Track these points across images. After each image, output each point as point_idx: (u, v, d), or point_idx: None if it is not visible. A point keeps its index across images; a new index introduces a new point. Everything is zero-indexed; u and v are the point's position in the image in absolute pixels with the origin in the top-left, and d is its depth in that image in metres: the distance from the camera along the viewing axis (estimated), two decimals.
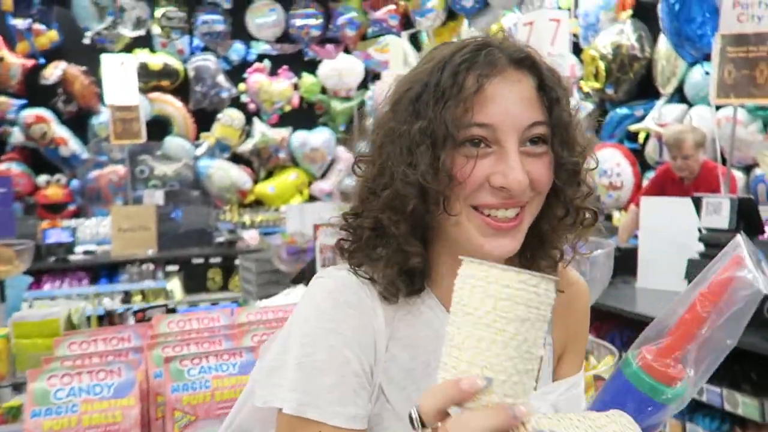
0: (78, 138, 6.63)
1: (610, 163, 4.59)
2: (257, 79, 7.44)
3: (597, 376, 1.49)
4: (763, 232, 2.74)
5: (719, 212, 2.61)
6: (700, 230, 2.72)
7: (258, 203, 7.42)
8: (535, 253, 0.80)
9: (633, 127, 4.73)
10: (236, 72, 7.41)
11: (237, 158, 7.41)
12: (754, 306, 0.61)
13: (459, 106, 0.68)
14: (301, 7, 7.50)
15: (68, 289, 4.94)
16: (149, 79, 6.85)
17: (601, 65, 4.73)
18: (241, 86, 7.43)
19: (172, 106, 7.10)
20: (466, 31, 6.41)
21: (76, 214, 6.49)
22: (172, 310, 1.69)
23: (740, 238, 0.64)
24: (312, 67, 7.75)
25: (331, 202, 7.03)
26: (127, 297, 5.08)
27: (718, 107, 3.63)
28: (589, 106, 4.95)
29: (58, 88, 6.48)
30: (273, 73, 7.56)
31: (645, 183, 4.31)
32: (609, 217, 4.55)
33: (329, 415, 0.68)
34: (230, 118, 7.29)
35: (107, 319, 1.89)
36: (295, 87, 7.66)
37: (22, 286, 2.87)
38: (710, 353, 0.63)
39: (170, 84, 7.10)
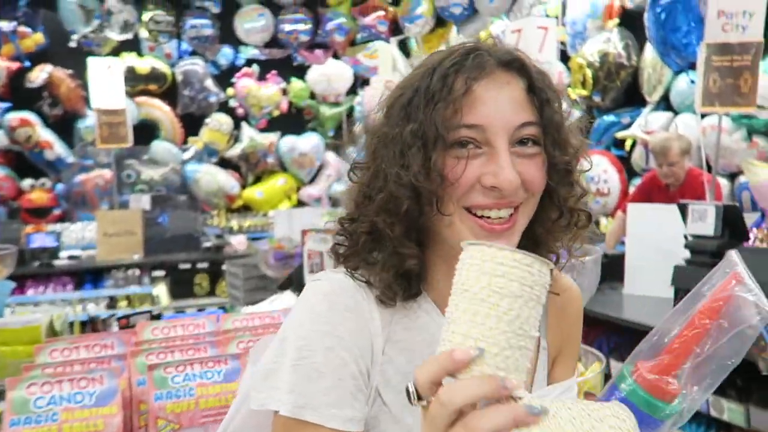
0: (63, 142, 6.56)
1: (597, 170, 4.62)
2: (246, 83, 7.42)
3: (587, 393, 1.49)
4: (747, 238, 2.77)
5: (705, 219, 2.63)
6: (685, 237, 2.74)
7: (246, 208, 7.39)
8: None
9: (620, 135, 4.77)
10: (224, 76, 7.39)
11: (225, 163, 7.38)
12: (761, 327, 0.61)
13: (448, 107, 0.69)
14: (290, 13, 7.50)
15: (52, 294, 4.86)
16: (136, 83, 6.80)
17: (589, 73, 4.77)
18: (230, 91, 7.40)
19: (159, 110, 7.06)
20: (455, 37, 6.44)
21: (61, 219, 6.42)
22: (157, 317, 1.67)
23: (735, 255, 0.65)
24: (301, 72, 7.75)
25: (319, 207, 7.02)
26: (112, 302, 5.04)
27: (703, 115, 3.67)
28: (576, 113, 4.99)
29: (43, 92, 6.42)
30: (261, 77, 7.54)
31: (631, 190, 4.34)
32: (596, 224, 4.58)
33: (326, 418, 0.68)
34: (218, 122, 7.26)
35: (90, 325, 1.87)
36: (284, 92, 7.65)
37: (4, 292, 2.82)
38: (712, 371, 0.62)
39: (158, 88, 7.06)
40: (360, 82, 7.70)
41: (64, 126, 6.59)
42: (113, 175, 6.14)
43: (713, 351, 0.61)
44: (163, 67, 7.08)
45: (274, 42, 7.53)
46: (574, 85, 4.92)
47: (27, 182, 6.44)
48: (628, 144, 4.75)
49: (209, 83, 7.18)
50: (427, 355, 0.74)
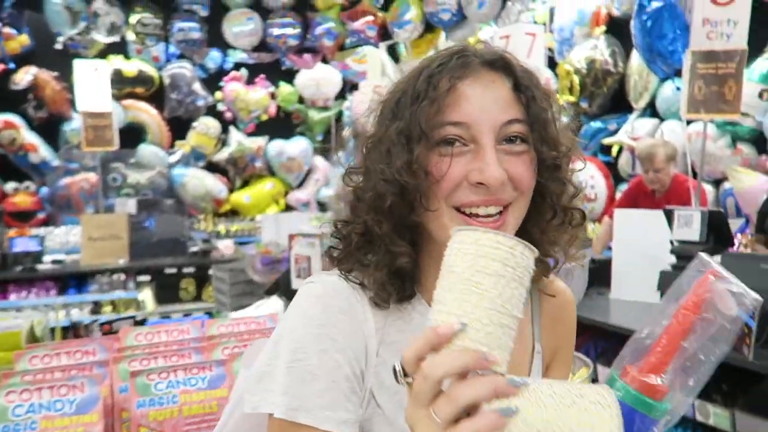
0: (48, 145, 6.49)
1: (584, 176, 4.63)
2: (234, 87, 7.39)
3: None
4: (732, 244, 2.79)
5: (690, 225, 2.65)
6: (671, 242, 2.76)
7: (233, 213, 7.35)
8: None
9: (606, 141, 4.81)
10: (212, 80, 7.35)
11: (212, 167, 7.34)
12: (744, 316, 0.63)
13: (432, 105, 0.70)
14: (279, 17, 7.48)
15: (35, 299, 4.79)
16: (123, 86, 6.75)
17: (576, 79, 4.81)
18: (218, 94, 7.37)
19: (146, 113, 7.01)
20: (443, 43, 6.46)
21: (45, 223, 6.35)
22: (141, 322, 1.65)
23: (706, 256, 0.66)
24: (289, 76, 7.73)
25: (307, 212, 6.99)
26: (96, 308, 4.97)
27: (688, 122, 3.71)
28: (564, 120, 5.02)
29: (28, 94, 6.35)
30: (250, 81, 7.52)
31: (618, 195, 4.37)
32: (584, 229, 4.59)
33: (320, 420, 0.68)
34: (206, 126, 7.22)
35: (72, 331, 1.83)
36: (272, 96, 7.63)
37: None
38: (696, 369, 0.63)
39: (145, 91, 7.01)
40: (349, 86, 7.70)
41: (49, 129, 6.52)
42: (99, 178, 6.08)
43: (698, 346, 0.62)
44: (151, 70, 7.03)
45: (262, 46, 7.52)
46: (562, 91, 4.95)
47: (11, 185, 6.36)
48: (614, 150, 4.79)
49: (197, 87, 7.15)
50: None
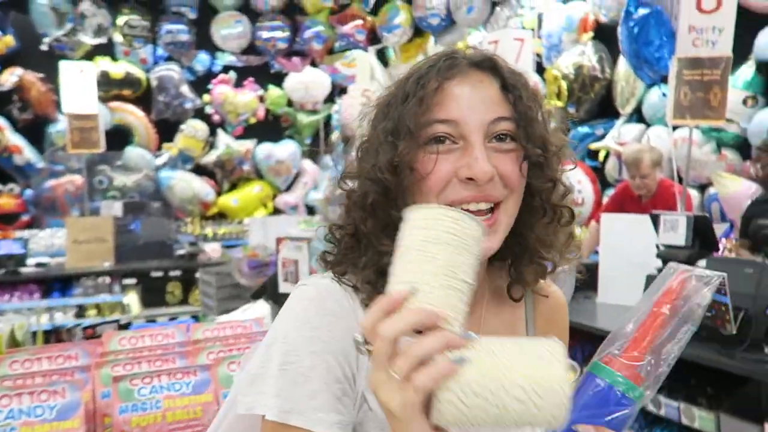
0: (33, 146, 6.43)
1: (571, 180, 4.67)
2: (222, 90, 7.36)
3: None
4: (717, 249, 2.82)
5: (676, 229, 2.67)
6: (657, 247, 2.78)
7: (221, 216, 7.31)
8: (519, 260, 0.81)
9: (593, 146, 4.84)
10: (201, 83, 7.32)
11: (200, 170, 7.29)
12: (712, 295, 0.67)
13: (421, 104, 0.71)
14: (268, 20, 7.47)
15: (18, 303, 4.72)
16: (110, 88, 6.70)
17: (564, 85, 4.84)
18: (206, 97, 7.33)
19: (133, 115, 6.95)
20: (432, 47, 6.48)
21: (29, 225, 6.27)
22: (125, 326, 1.63)
23: (675, 264, 0.70)
24: (278, 79, 7.71)
25: (296, 215, 6.97)
26: (81, 311, 4.92)
27: (674, 127, 3.74)
28: (552, 124, 5.05)
29: (13, 95, 6.29)
30: (238, 84, 7.49)
31: (605, 200, 4.40)
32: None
33: (313, 422, 0.68)
34: (193, 129, 7.17)
35: (55, 335, 1.81)
36: (261, 99, 7.61)
37: None
38: (669, 352, 0.66)
39: (132, 93, 6.96)
40: (338, 90, 7.69)
41: (34, 130, 6.45)
42: (84, 181, 6.02)
43: (670, 332, 0.66)
44: (138, 72, 6.99)
45: (251, 49, 7.50)
46: (550, 96, 4.98)
47: None
48: (601, 155, 4.82)
49: (185, 89, 7.11)
50: None
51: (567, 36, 5.01)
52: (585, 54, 4.77)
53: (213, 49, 7.37)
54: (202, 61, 7.32)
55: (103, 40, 6.68)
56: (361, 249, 0.77)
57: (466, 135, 0.72)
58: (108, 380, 1.10)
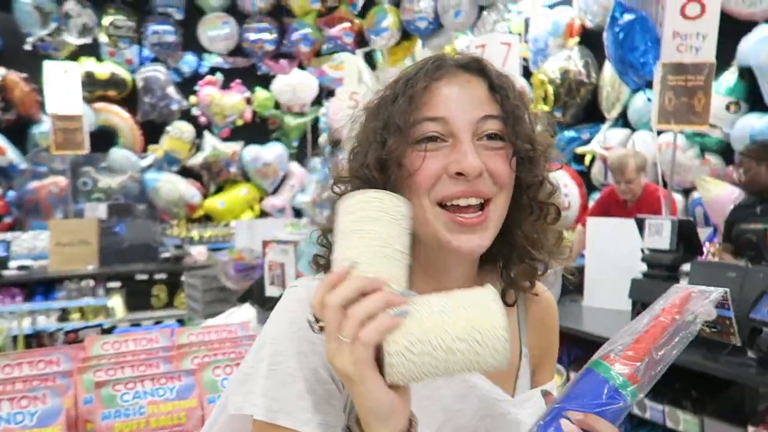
0: (16, 147, 6.34)
1: (557, 184, 4.70)
2: (209, 92, 7.32)
3: (545, 392, 1.49)
4: (702, 252, 2.85)
5: (661, 233, 2.69)
6: (642, 251, 2.80)
7: (207, 218, 7.26)
8: (509, 261, 0.82)
9: (579, 150, 4.87)
10: (187, 84, 7.27)
11: (186, 172, 7.24)
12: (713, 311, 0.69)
13: (410, 103, 0.73)
14: (255, 21, 7.44)
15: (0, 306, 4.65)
16: (95, 89, 6.63)
17: (550, 89, 4.87)
18: (192, 99, 7.28)
19: (118, 116, 6.89)
20: (420, 51, 6.50)
21: (12, 227, 6.18)
22: (108, 330, 1.61)
23: (679, 284, 0.73)
24: (265, 81, 7.68)
25: (283, 218, 6.94)
26: (64, 315, 4.85)
27: (659, 132, 3.78)
28: (539, 127, 5.08)
29: None
30: (225, 86, 7.45)
31: (591, 204, 4.43)
32: None
33: (300, 422, 0.68)
34: (179, 130, 7.12)
35: (36, 339, 1.78)
36: (248, 101, 7.57)
37: None
38: (663, 360, 0.69)
39: (117, 94, 6.90)
40: (325, 93, 7.68)
41: (18, 131, 6.37)
42: (68, 182, 5.95)
43: (668, 343, 0.68)
44: (124, 73, 6.93)
45: (238, 50, 7.47)
46: (536, 101, 5.01)
47: None
48: (587, 159, 4.85)
49: (171, 90, 7.05)
50: None
51: (553, 41, 5.05)
52: (571, 59, 4.81)
53: (200, 50, 7.33)
54: (188, 62, 7.27)
55: (88, 40, 6.62)
56: None
57: (455, 132, 0.73)
58: (90, 386, 1.09)
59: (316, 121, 7.87)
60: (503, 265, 0.82)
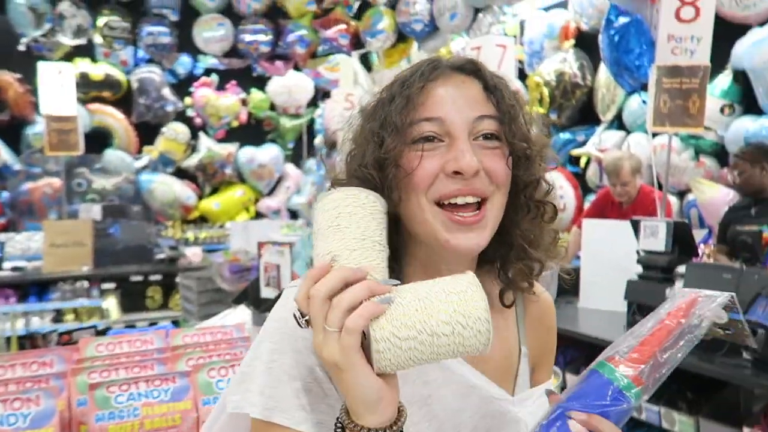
0: (10, 148, 6.31)
1: (553, 184, 4.71)
2: (204, 93, 7.30)
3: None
4: (697, 254, 2.85)
5: (656, 235, 2.70)
6: (638, 252, 2.80)
7: (202, 219, 7.24)
8: (506, 260, 0.82)
9: (575, 152, 4.88)
10: (182, 85, 7.25)
11: (181, 173, 7.22)
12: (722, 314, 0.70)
13: (407, 104, 0.74)
14: (251, 23, 7.43)
15: None
16: (89, 90, 6.61)
17: (545, 91, 4.88)
18: (187, 100, 7.27)
19: (113, 117, 6.87)
20: (416, 53, 6.50)
21: (5, 228, 6.15)
22: (103, 332, 1.60)
23: (685, 288, 0.72)
24: (260, 83, 7.67)
25: (278, 219, 6.93)
26: (58, 316, 4.82)
27: (654, 134, 3.79)
28: (534, 129, 5.09)
29: None
30: (220, 87, 7.43)
31: (586, 206, 4.44)
32: None
33: (296, 420, 0.68)
34: (175, 132, 7.11)
35: (30, 341, 1.77)
36: (243, 102, 7.56)
37: None
38: (668, 363, 0.69)
39: (112, 95, 6.88)
40: (321, 94, 7.67)
41: (11, 132, 6.34)
42: (62, 183, 5.93)
43: (674, 348, 0.68)
44: (118, 74, 6.91)
45: (233, 52, 7.45)
46: (532, 103, 5.02)
47: None
48: (582, 161, 4.86)
49: (166, 92, 7.04)
50: None
51: (549, 43, 5.06)
52: (566, 61, 4.82)
53: (195, 51, 7.31)
54: (183, 63, 7.25)
55: (82, 41, 6.59)
56: None
57: (451, 132, 0.73)
58: (84, 387, 1.08)
59: (311, 122, 7.87)
60: (500, 266, 0.83)
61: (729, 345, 2.16)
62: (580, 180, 4.84)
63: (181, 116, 7.21)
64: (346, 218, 0.65)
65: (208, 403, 1.12)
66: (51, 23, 6.35)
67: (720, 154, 3.95)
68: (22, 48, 6.33)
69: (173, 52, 7.07)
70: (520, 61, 5.16)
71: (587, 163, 4.83)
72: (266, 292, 2.69)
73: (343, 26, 7.44)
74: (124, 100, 6.93)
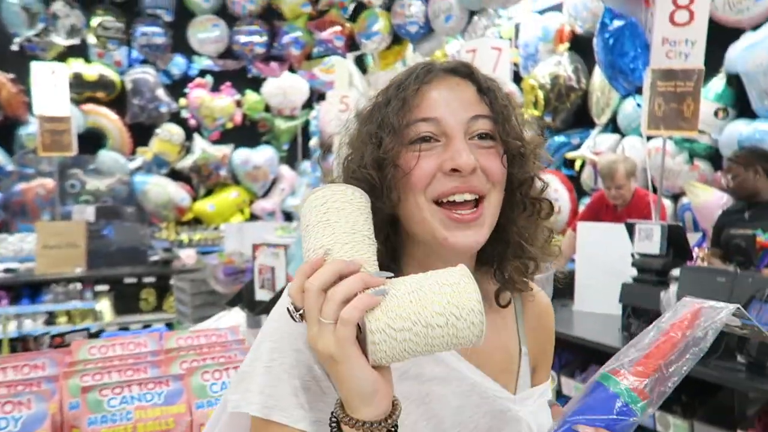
0: (2, 149, 6.27)
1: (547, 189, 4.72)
2: (198, 94, 7.28)
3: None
4: (691, 257, 2.86)
5: (651, 238, 2.70)
6: (633, 255, 2.81)
7: (196, 221, 7.21)
8: (503, 258, 0.82)
9: (570, 155, 4.89)
10: (177, 86, 7.23)
11: (176, 175, 7.19)
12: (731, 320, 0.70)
13: (403, 106, 0.75)
14: (246, 24, 7.41)
15: None
16: (83, 90, 6.58)
17: (540, 94, 4.89)
18: (182, 101, 7.24)
19: (106, 118, 6.84)
20: (411, 55, 6.51)
21: None
22: (96, 335, 1.59)
23: (689, 298, 0.72)
24: (255, 84, 7.66)
25: (273, 221, 6.91)
26: (51, 318, 4.79)
27: (648, 138, 3.80)
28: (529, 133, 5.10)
29: None
30: (215, 89, 7.41)
31: (581, 208, 4.45)
32: None
33: (295, 419, 0.69)
34: (169, 133, 7.08)
35: (21, 343, 1.75)
36: (238, 104, 7.54)
37: None
38: (675, 375, 0.69)
39: (106, 96, 6.85)
40: (316, 96, 7.67)
41: (4, 132, 6.31)
42: (56, 184, 5.89)
43: (680, 358, 0.68)
44: (112, 74, 6.88)
45: (228, 53, 7.43)
46: (526, 105, 5.03)
47: None
48: (577, 164, 4.88)
49: (160, 93, 7.01)
50: None
51: (543, 46, 5.07)
52: (561, 64, 4.84)
53: (189, 52, 7.29)
54: (178, 64, 7.23)
55: (76, 41, 6.55)
56: None
57: (447, 132, 0.75)
58: (76, 391, 1.07)
59: (306, 124, 7.85)
60: (498, 265, 0.84)
61: (724, 348, 2.17)
62: (574, 183, 4.85)
63: (175, 117, 7.18)
64: (335, 213, 0.66)
65: (202, 406, 1.11)
66: (44, 23, 6.31)
67: (714, 157, 3.97)
68: (15, 48, 6.29)
69: (167, 53, 7.05)
70: (515, 64, 5.17)
71: (582, 166, 4.84)
72: (261, 295, 2.68)
73: (338, 28, 7.43)
74: (118, 100, 6.90)
